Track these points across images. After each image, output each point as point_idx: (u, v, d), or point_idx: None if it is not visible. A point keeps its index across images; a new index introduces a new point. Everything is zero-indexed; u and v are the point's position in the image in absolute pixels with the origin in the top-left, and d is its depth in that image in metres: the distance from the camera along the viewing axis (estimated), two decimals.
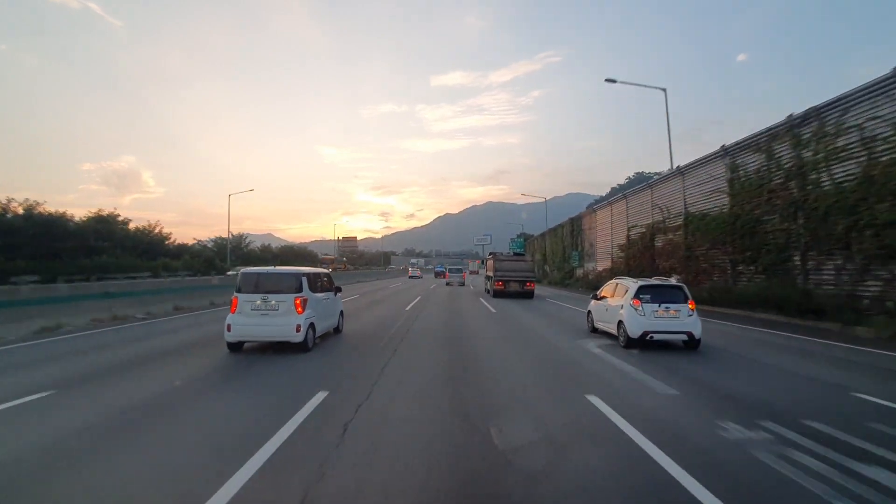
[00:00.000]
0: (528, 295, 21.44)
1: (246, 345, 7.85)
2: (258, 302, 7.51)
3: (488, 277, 24.37)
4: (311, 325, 7.79)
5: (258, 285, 7.64)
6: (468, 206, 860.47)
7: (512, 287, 21.42)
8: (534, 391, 5.46)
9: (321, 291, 8.58)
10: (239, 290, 7.57)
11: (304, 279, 7.87)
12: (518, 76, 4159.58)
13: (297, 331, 7.42)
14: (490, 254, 26.44)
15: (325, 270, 11.19)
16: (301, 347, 7.58)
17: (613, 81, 23.00)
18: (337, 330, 9.69)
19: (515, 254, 27.46)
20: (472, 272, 63.22)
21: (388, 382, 5.68)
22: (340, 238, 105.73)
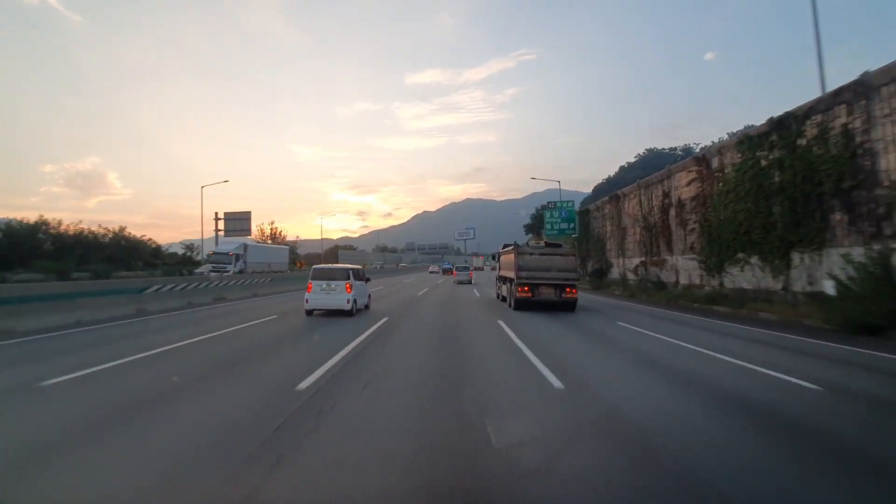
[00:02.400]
0: (569, 306, 14.62)
1: (315, 312, 12.93)
2: (324, 286, 12.61)
3: (503, 279, 17.41)
4: (354, 301, 12.87)
5: (323, 276, 12.76)
6: (446, 203, 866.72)
7: (543, 294, 14.45)
8: None
9: (359, 280, 13.70)
10: (312, 279, 12.66)
11: (351, 272, 13.03)
12: (493, 74, 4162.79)
13: (347, 304, 12.56)
14: (506, 245, 18.05)
15: (360, 267, 16.30)
16: (348, 314, 12.65)
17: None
18: (367, 307, 14.58)
19: (549, 244, 17.93)
20: (476, 268, 59.48)
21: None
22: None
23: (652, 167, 76.89)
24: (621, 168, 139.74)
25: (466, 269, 35.44)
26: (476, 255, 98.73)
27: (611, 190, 43.59)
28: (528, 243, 19.34)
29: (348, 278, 12.77)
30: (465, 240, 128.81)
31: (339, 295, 12.52)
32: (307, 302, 12.54)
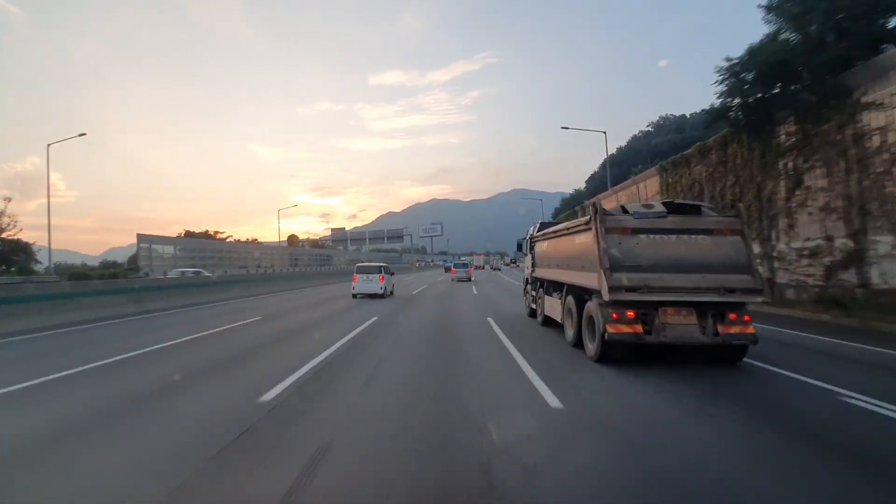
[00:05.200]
0: (733, 355, 6.40)
1: (358, 295, 18.99)
2: (364, 276, 18.78)
3: (551, 286, 9.56)
4: (384, 287, 19.12)
5: (364, 270, 18.90)
6: (412, 204, 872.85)
7: (676, 324, 6.02)
8: None
9: (388, 274, 19.93)
10: (358, 272, 18.79)
11: (383, 268, 19.24)
12: (457, 76, 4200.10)
13: (380, 290, 18.78)
14: (544, 225, 11.49)
15: (388, 265, 22.45)
16: (382, 297, 18.88)
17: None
18: (391, 293, 20.76)
19: (677, 205, 6.67)
20: (477, 267, 58.23)
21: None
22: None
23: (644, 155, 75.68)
24: (663, 117, 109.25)
25: (465, 266, 36.11)
26: (477, 253, 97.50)
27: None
28: (621, 207, 7.22)
29: (381, 272, 18.96)
30: (431, 237, 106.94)
31: (374, 284, 18.73)
32: (353, 288, 18.67)
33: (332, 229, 63.95)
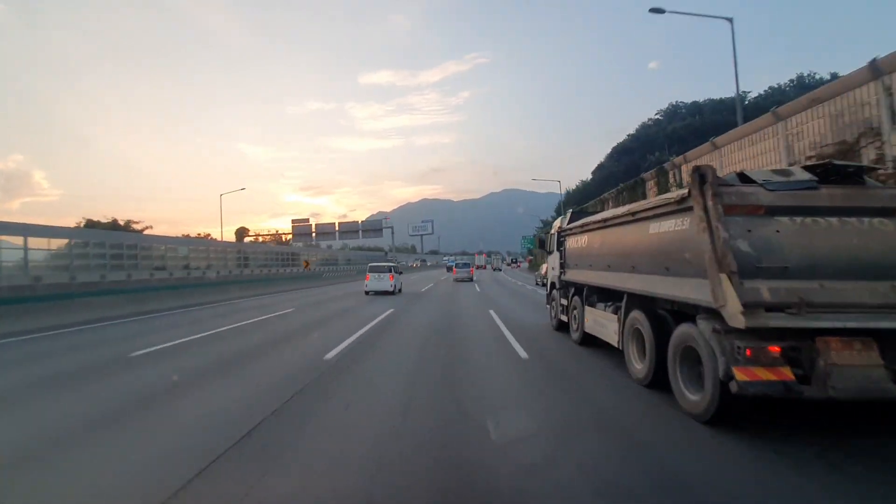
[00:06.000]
0: None
1: (370, 292, 20.52)
2: (376, 275, 20.39)
3: (600, 295, 7.20)
4: (395, 285, 20.74)
5: (376, 270, 20.56)
6: (402, 204, 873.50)
7: (850, 365, 3.54)
8: None
9: (397, 273, 21.42)
10: (369, 272, 20.45)
11: (392, 268, 20.81)
12: (447, 76, 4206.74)
13: (390, 287, 20.37)
14: (578, 213, 9.75)
15: (397, 264, 24.15)
16: (391, 293, 20.32)
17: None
18: (400, 291, 21.94)
19: (835, 168, 4.38)
20: (478, 266, 57.82)
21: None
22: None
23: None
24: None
25: (467, 265, 36.40)
26: (479, 252, 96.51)
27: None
28: (737, 176, 4.54)
29: (391, 272, 20.66)
30: (420, 235, 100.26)
31: (385, 282, 20.38)
32: (366, 285, 20.35)
33: (294, 221, 52.38)
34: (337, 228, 53.41)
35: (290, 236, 54.60)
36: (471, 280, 32.23)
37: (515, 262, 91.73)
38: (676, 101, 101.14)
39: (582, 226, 7.82)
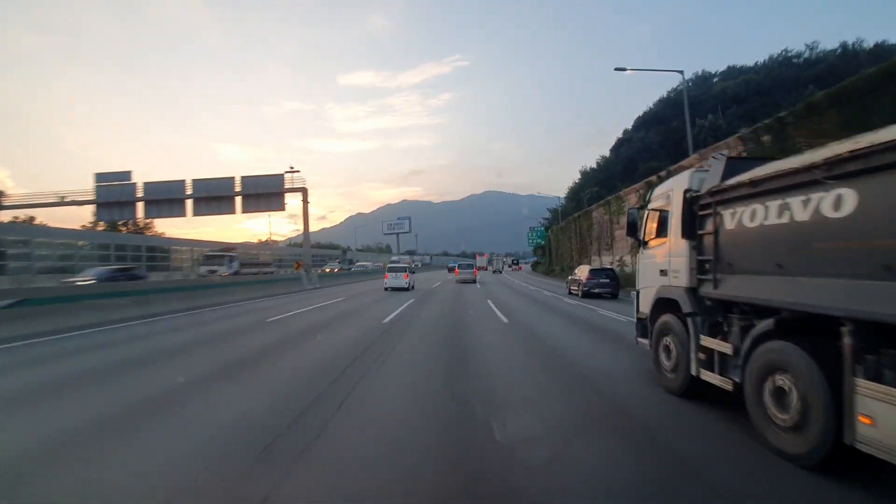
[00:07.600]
0: None
1: (389, 289, 23.93)
2: (394, 274, 24.06)
3: (731, 324, 4.18)
4: (410, 283, 24.39)
5: (394, 269, 24.24)
6: (382, 205, 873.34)
7: None
8: None
9: (411, 272, 25.18)
10: (388, 271, 24.12)
11: (407, 268, 24.65)
12: (427, 78, 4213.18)
13: (406, 284, 24.05)
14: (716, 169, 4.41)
15: (410, 265, 27.96)
16: (407, 289, 23.92)
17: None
18: (412, 288, 25.61)
19: None
20: (480, 268, 56.41)
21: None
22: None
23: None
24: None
25: (470, 267, 35.67)
26: (480, 253, 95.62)
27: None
28: None
29: (406, 271, 24.37)
30: (397, 233, 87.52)
31: (401, 279, 24.10)
32: (385, 283, 24.03)
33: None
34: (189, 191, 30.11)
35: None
36: (474, 282, 31.73)
37: (517, 264, 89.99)
38: (702, 70, 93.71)
39: (777, 177, 3.53)
